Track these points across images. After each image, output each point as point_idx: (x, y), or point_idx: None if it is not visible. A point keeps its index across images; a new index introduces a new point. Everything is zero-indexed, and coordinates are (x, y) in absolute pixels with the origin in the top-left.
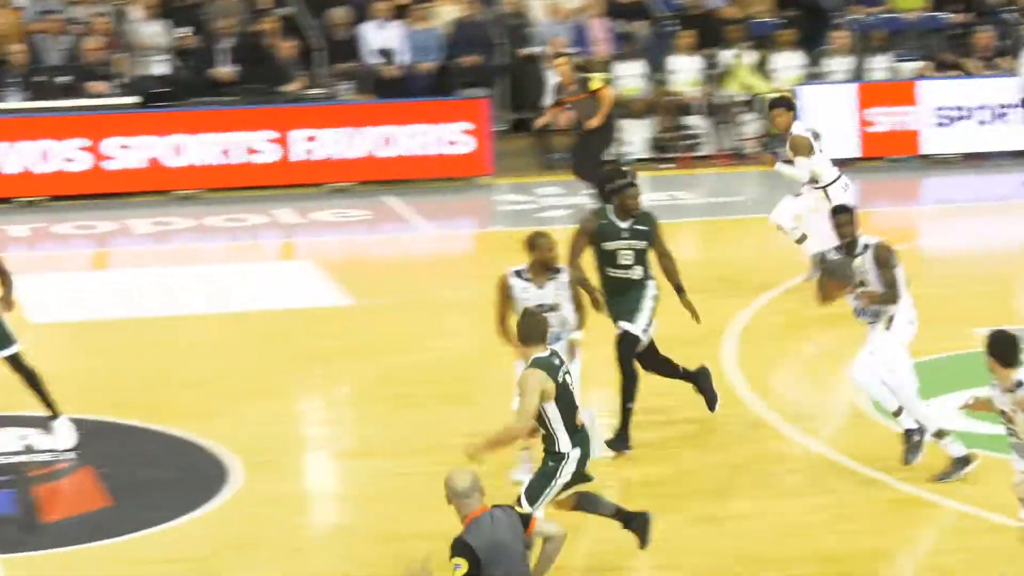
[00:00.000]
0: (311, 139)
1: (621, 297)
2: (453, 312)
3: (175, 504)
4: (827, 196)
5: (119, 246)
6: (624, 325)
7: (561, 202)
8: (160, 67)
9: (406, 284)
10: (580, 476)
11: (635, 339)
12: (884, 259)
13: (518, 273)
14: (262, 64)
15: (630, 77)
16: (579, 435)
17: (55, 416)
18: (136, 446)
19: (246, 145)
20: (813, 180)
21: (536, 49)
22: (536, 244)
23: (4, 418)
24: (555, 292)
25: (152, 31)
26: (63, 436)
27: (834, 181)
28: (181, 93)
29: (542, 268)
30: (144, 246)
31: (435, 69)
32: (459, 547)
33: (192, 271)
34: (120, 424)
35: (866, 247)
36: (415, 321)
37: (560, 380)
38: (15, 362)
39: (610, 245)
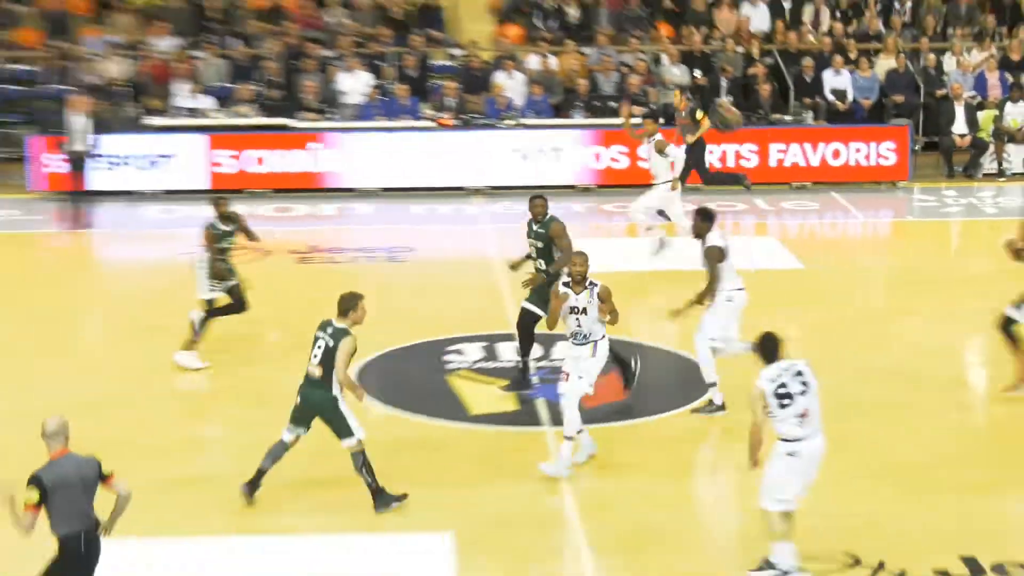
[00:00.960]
0: (782, 151)
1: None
2: (872, 275)
3: (670, 401)
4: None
5: None
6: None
7: (957, 202)
8: None
9: (843, 254)
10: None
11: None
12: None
13: (566, 283)
14: (751, 97)
15: (1015, 114)
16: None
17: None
18: (651, 362)
19: (737, 154)
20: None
21: (945, 91)
22: (574, 261)
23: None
24: (587, 300)
25: (676, 72)
26: None
27: (667, 181)
28: None
29: (579, 279)
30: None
31: (872, 104)
32: (32, 479)
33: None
34: (633, 344)
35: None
36: (846, 281)
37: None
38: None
39: (528, 240)
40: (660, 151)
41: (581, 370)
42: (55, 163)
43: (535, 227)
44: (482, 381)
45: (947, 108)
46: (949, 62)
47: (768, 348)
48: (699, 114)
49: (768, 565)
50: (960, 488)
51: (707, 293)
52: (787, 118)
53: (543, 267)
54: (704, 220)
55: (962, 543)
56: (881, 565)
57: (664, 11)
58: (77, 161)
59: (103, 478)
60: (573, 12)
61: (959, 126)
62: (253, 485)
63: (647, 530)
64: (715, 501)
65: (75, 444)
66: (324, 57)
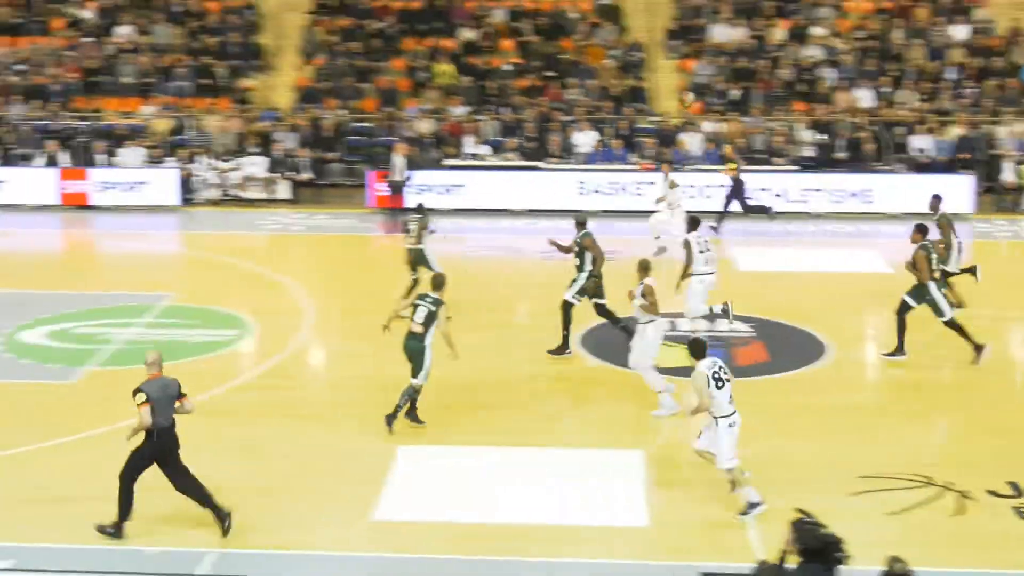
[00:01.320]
0: (869, 193)
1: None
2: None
3: (801, 361)
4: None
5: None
6: (565, 294)
7: (1004, 228)
8: (808, 151)
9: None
10: None
11: (567, 303)
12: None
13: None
14: (858, 151)
15: None
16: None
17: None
18: (779, 333)
19: (850, 192)
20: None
21: (998, 151)
22: (642, 266)
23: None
24: (637, 292)
25: (805, 135)
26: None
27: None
28: (822, 165)
29: (642, 275)
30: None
31: (948, 159)
32: (137, 388)
33: (821, 253)
34: (773, 322)
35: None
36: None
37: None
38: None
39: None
40: (672, 187)
41: (633, 344)
42: (383, 189)
43: (575, 238)
44: (666, 344)
45: (999, 163)
46: (1001, 131)
47: (698, 348)
48: (731, 164)
49: (751, 507)
50: (1004, 430)
51: (685, 271)
52: (883, 167)
53: (579, 264)
54: (690, 224)
55: (1009, 471)
56: (948, 486)
57: (798, 92)
58: (396, 188)
59: (180, 396)
60: (735, 92)
61: (1007, 175)
62: (391, 417)
63: (775, 452)
64: (828, 434)
65: (363, 370)
66: (565, 120)
